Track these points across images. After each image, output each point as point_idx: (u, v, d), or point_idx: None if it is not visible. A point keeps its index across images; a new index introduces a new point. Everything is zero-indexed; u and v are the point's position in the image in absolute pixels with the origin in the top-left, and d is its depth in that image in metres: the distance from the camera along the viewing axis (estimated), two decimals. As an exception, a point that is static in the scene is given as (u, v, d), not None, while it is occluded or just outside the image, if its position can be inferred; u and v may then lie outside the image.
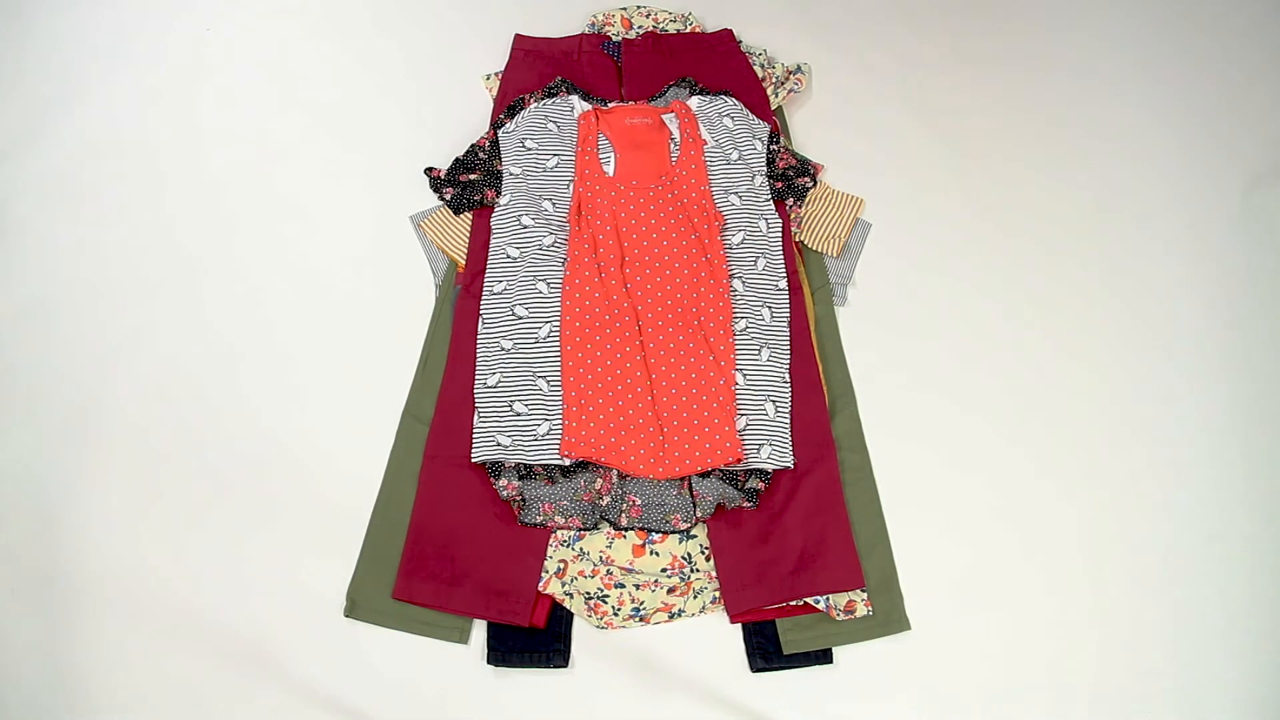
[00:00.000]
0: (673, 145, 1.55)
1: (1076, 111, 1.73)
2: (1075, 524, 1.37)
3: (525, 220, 1.50)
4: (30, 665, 1.28)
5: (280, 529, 1.37)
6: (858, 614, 1.28)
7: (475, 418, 1.37)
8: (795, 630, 1.29)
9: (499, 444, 1.34)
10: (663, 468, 1.32)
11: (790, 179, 1.56)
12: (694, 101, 1.60)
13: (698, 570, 1.33)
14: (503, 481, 1.33)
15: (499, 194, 1.53)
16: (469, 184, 1.55)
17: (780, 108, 1.71)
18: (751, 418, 1.35)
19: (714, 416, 1.33)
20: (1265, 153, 1.67)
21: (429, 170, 1.58)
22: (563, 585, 1.31)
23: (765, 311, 1.43)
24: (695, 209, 1.48)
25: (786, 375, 1.40)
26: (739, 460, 1.31)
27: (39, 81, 1.76)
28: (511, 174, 1.54)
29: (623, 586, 1.32)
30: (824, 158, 1.65)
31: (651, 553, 1.33)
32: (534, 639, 1.30)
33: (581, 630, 1.32)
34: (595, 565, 1.32)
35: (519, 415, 1.36)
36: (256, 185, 1.66)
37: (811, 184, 1.57)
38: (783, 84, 1.71)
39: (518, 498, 1.33)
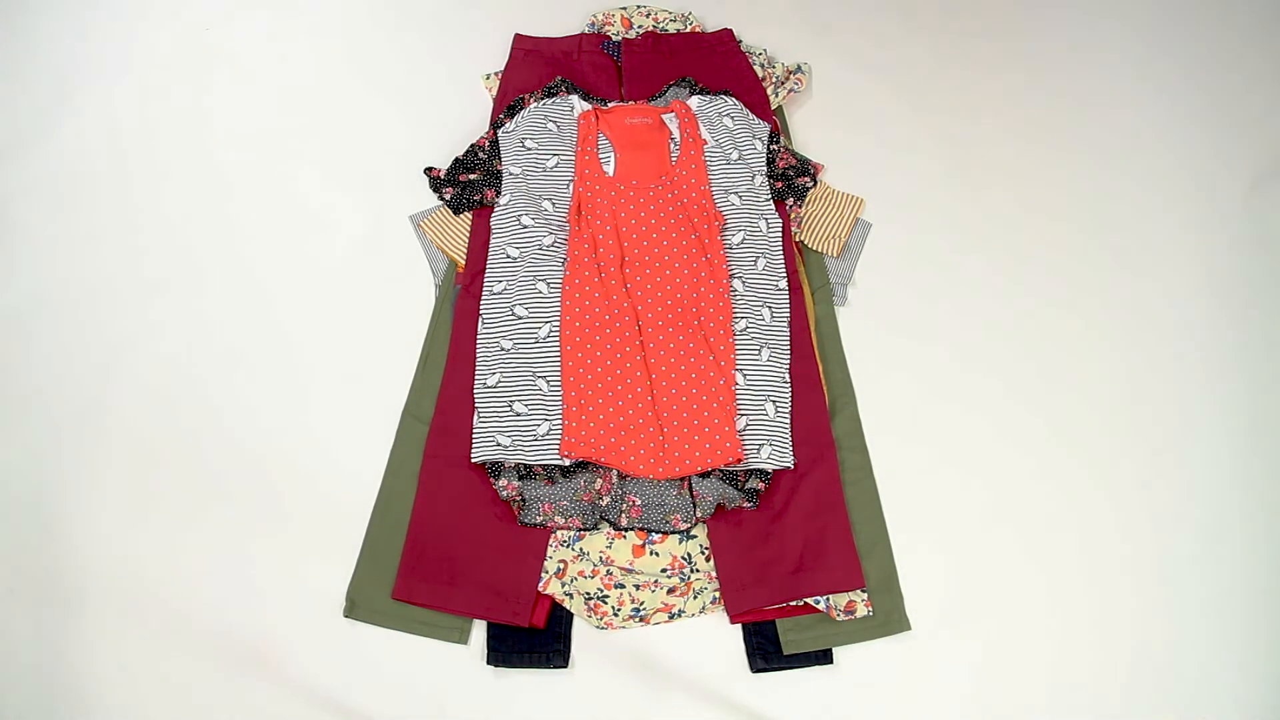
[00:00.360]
0: (673, 145, 1.55)
1: (1078, 112, 1.73)
2: (1076, 524, 1.37)
3: (525, 220, 1.50)
4: (29, 665, 1.28)
5: (280, 529, 1.37)
6: (858, 614, 1.28)
7: (475, 418, 1.37)
8: (795, 630, 1.29)
9: (499, 444, 1.34)
10: (663, 468, 1.32)
11: (790, 179, 1.56)
12: (694, 101, 1.60)
13: (698, 570, 1.32)
14: (502, 481, 1.33)
15: (499, 194, 1.53)
16: (469, 184, 1.55)
17: (780, 107, 1.71)
18: (751, 418, 1.35)
19: (714, 416, 1.33)
20: (1268, 153, 1.67)
21: (429, 170, 1.58)
22: (563, 585, 1.31)
23: (765, 311, 1.43)
24: (695, 209, 1.48)
25: (786, 375, 1.40)
26: (739, 460, 1.31)
27: (39, 81, 1.76)
28: (511, 174, 1.54)
29: (623, 587, 1.32)
30: (824, 158, 1.65)
31: (651, 553, 1.33)
32: (534, 639, 1.30)
33: (581, 630, 1.32)
34: (595, 565, 1.32)
35: (519, 415, 1.36)
36: (256, 185, 1.66)
37: (811, 184, 1.57)
38: (783, 84, 1.71)
39: (518, 498, 1.33)
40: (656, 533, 1.33)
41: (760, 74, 1.70)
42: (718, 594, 1.31)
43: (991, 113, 1.72)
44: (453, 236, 1.55)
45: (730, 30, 1.74)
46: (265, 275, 1.57)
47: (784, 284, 1.46)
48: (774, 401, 1.37)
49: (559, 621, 1.31)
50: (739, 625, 1.31)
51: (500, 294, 1.45)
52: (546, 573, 1.31)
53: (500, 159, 1.56)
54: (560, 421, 1.35)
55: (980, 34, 1.81)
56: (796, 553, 1.30)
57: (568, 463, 1.33)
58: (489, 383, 1.38)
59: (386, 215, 1.61)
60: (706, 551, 1.33)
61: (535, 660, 1.28)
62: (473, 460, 1.34)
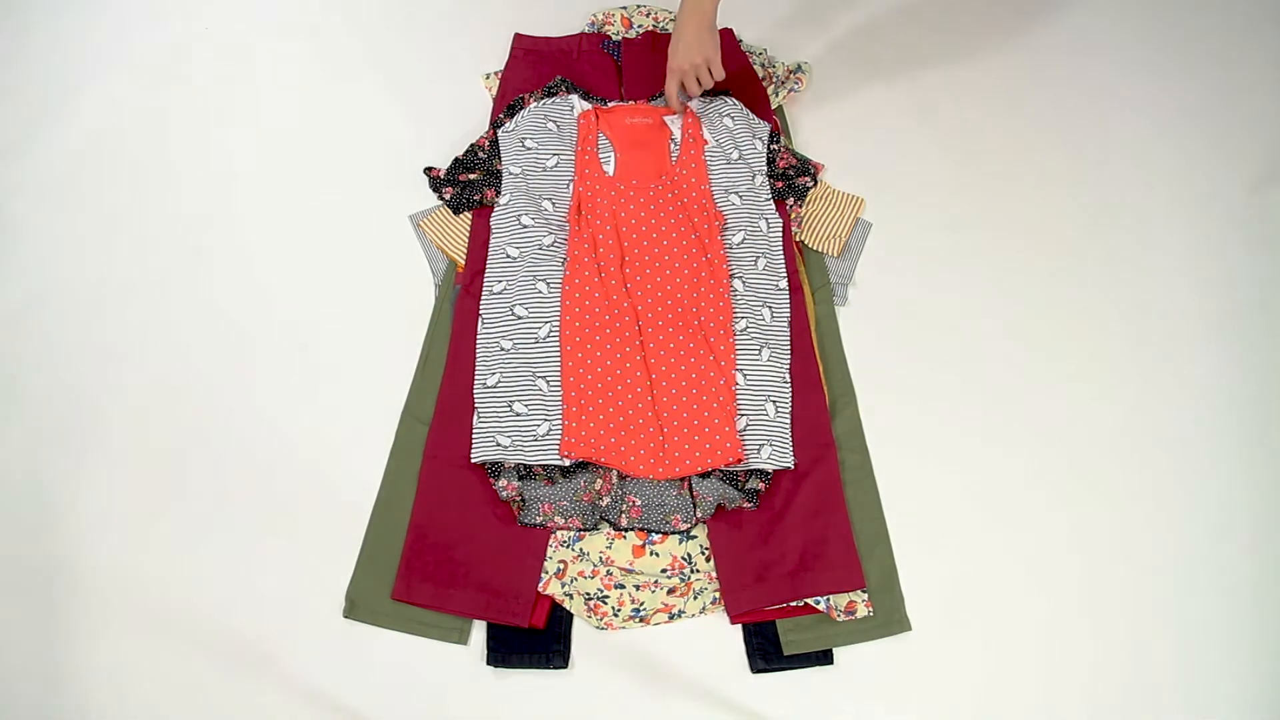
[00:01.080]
0: (673, 145, 1.55)
1: (1077, 111, 1.73)
2: (1075, 524, 1.37)
3: (525, 220, 1.50)
4: (30, 666, 1.28)
5: (279, 529, 1.37)
6: (858, 615, 1.28)
7: (475, 418, 1.37)
8: (796, 631, 1.28)
9: (499, 444, 1.34)
10: (663, 468, 1.32)
11: (791, 178, 1.56)
12: (694, 101, 1.60)
13: (698, 571, 1.32)
14: (502, 482, 1.33)
15: (499, 193, 1.53)
16: (468, 183, 1.55)
17: (781, 107, 1.71)
18: (751, 418, 1.35)
19: (714, 417, 1.33)
20: (1267, 154, 1.67)
21: (429, 170, 1.58)
22: (562, 586, 1.31)
23: (765, 311, 1.43)
24: (695, 208, 1.48)
25: (787, 375, 1.40)
26: (739, 460, 1.31)
27: (39, 81, 1.76)
28: (511, 173, 1.54)
29: (623, 587, 1.32)
30: (824, 157, 1.65)
31: (651, 553, 1.33)
32: (534, 640, 1.29)
33: (581, 631, 1.31)
34: (595, 566, 1.32)
35: (519, 415, 1.36)
36: (255, 184, 1.66)
37: (812, 183, 1.57)
38: (783, 84, 1.71)
39: (517, 498, 1.33)
40: (656, 533, 1.33)
41: (760, 74, 1.70)
42: (718, 594, 1.31)
43: (992, 113, 1.72)
44: (452, 236, 1.55)
45: (730, 30, 1.74)
46: (264, 275, 1.57)
47: (784, 284, 1.46)
48: (774, 401, 1.37)
49: (559, 622, 1.31)
50: (739, 625, 1.31)
51: (500, 294, 1.45)
52: (546, 573, 1.31)
53: (500, 159, 1.56)
54: (560, 421, 1.34)
55: (981, 33, 1.81)
56: (797, 553, 1.30)
57: (568, 463, 1.33)
58: (489, 383, 1.38)
59: (386, 215, 1.61)
60: (706, 552, 1.33)
61: (535, 660, 1.28)
62: (472, 460, 1.34)
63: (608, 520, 1.32)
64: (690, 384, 1.36)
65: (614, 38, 1.75)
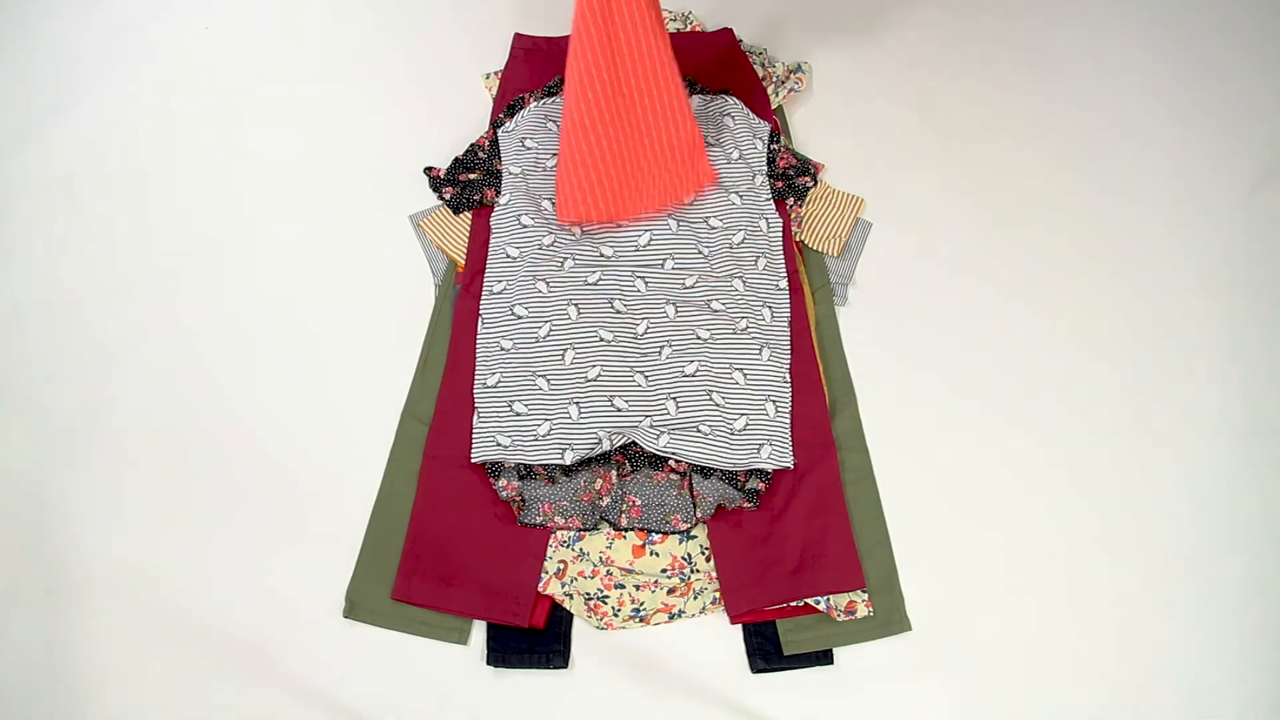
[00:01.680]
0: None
1: (1078, 111, 1.73)
2: (1076, 524, 1.37)
3: (525, 220, 1.50)
4: (29, 665, 1.28)
5: (279, 529, 1.37)
6: (858, 615, 1.28)
7: (475, 418, 1.37)
8: (796, 631, 1.28)
9: (499, 444, 1.34)
10: (659, 198, 1.42)
11: (791, 178, 1.56)
12: (694, 101, 1.60)
13: (698, 571, 1.32)
14: (502, 481, 1.33)
15: (499, 193, 1.53)
16: (468, 183, 1.55)
17: (780, 107, 1.71)
18: (752, 417, 1.35)
19: (682, 146, 1.41)
20: (1269, 152, 1.67)
21: (429, 170, 1.58)
22: (562, 586, 1.31)
23: (765, 311, 1.43)
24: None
25: (787, 375, 1.40)
26: (714, 180, 1.44)
27: (39, 81, 1.76)
28: (511, 173, 1.54)
29: (623, 587, 1.32)
30: (824, 157, 1.65)
31: (651, 553, 1.33)
32: (534, 640, 1.29)
33: (581, 631, 1.31)
34: (595, 566, 1.32)
35: (519, 415, 1.36)
36: (255, 185, 1.66)
37: (812, 183, 1.56)
38: (783, 83, 1.71)
39: (517, 498, 1.33)
40: (656, 533, 1.33)
41: (760, 74, 1.70)
42: (718, 594, 1.31)
43: (992, 112, 1.72)
44: (452, 236, 1.55)
45: (730, 30, 1.74)
46: (264, 275, 1.57)
47: (784, 284, 1.46)
48: (774, 401, 1.37)
49: (559, 622, 1.31)
50: (739, 626, 1.31)
51: (500, 294, 1.45)
52: (546, 573, 1.31)
53: (500, 158, 1.56)
54: (562, 420, 1.34)
55: (981, 33, 1.81)
56: (797, 553, 1.30)
57: (568, 462, 1.33)
58: (489, 383, 1.38)
59: (386, 215, 1.61)
60: (706, 552, 1.33)
61: (535, 660, 1.28)
62: (473, 460, 1.34)
63: (608, 520, 1.32)
64: (650, 125, 1.41)
65: (614, 37, 1.75)
